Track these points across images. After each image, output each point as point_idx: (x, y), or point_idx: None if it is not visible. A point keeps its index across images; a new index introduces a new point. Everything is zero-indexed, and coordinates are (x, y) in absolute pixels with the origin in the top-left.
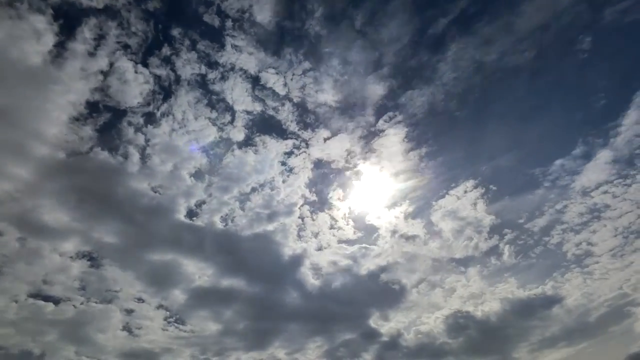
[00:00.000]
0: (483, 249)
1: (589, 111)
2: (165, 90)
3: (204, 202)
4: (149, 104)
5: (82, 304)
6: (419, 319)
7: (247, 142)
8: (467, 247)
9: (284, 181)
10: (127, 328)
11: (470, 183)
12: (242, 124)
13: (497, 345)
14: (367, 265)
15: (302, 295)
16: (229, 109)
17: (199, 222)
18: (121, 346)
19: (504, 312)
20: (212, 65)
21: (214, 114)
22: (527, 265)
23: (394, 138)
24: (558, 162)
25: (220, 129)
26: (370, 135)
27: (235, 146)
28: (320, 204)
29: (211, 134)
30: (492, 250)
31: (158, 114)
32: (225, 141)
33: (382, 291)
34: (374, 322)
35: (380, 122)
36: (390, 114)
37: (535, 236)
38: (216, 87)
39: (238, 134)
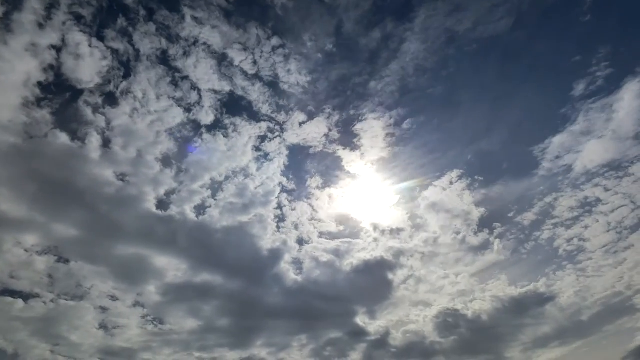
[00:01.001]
0: (472, 244)
1: (576, 84)
2: (124, 67)
3: (174, 192)
4: (108, 82)
5: (52, 301)
6: (407, 317)
7: (216, 125)
8: (455, 242)
9: (258, 168)
10: (103, 326)
11: (455, 173)
12: (210, 104)
13: (488, 344)
14: (351, 260)
15: (284, 291)
16: (194, 88)
17: (170, 213)
18: (98, 345)
19: (495, 310)
20: (173, 39)
21: (179, 94)
22: (518, 262)
23: (373, 122)
24: (545, 144)
25: (187, 110)
26: (349, 120)
27: (203, 129)
28: (299, 192)
29: (177, 116)
30: (482, 245)
31: (117, 93)
32: (192, 123)
33: (368, 288)
34: (360, 320)
35: (357, 104)
36: (366, 92)
37: (526, 231)
38: (178, 64)
39: (206, 116)
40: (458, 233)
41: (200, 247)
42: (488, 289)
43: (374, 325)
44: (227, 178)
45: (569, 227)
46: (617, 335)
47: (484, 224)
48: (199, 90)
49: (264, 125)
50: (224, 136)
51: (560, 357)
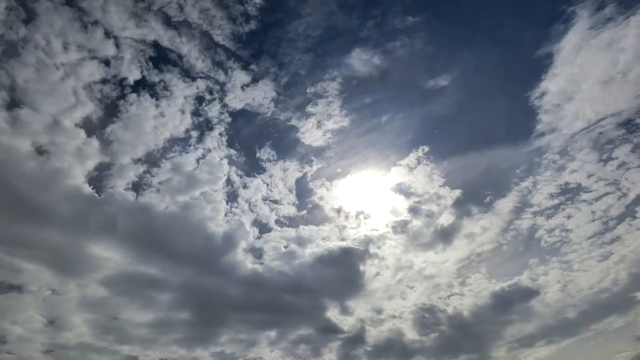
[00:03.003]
0: (446, 230)
1: (579, 9)
2: (23, 8)
3: (104, 167)
4: (10, 28)
5: None
6: (383, 312)
7: (143, 83)
8: (429, 228)
9: (199, 139)
10: (50, 321)
11: (420, 152)
12: (131, 56)
13: (471, 342)
14: (316, 250)
15: (245, 282)
16: (109, 36)
17: (103, 192)
18: (49, 341)
19: (476, 306)
20: None
21: (92, 44)
22: (498, 253)
23: (325, 84)
24: (542, 89)
25: (105, 64)
26: (299, 81)
27: (129, 89)
28: (249, 167)
29: (94, 72)
30: (458, 231)
31: (17, 41)
32: (114, 80)
33: (337, 280)
34: (333, 315)
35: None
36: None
37: (505, 218)
38: (85, 5)
39: (129, 71)
40: (431, 216)
41: (144, 232)
42: (468, 282)
43: (347, 321)
44: (165, 150)
45: (550, 216)
46: (606, 335)
47: (459, 208)
48: (116, 39)
49: (201, 84)
50: (152, 96)
51: (548, 356)
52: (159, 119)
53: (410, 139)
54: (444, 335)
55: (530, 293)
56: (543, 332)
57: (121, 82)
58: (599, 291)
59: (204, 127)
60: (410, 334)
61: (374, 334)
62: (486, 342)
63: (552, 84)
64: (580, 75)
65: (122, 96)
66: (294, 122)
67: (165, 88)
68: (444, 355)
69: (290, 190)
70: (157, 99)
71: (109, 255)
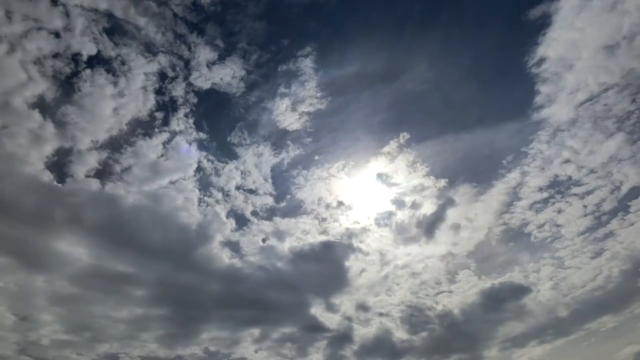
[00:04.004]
0: (431, 224)
1: None
2: None
3: (63, 153)
4: None
5: None
6: (369, 309)
7: (98, 58)
8: (413, 221)
9: (164, 121)
10: (22, 318)
11: (402, 138)
12: (83, 27)
13: (462, 342)
14: (296, 243)
15: (220, 278)
16: (56, 3)
17: (65, 181)
18: (22, 339)
19: (466, 304)
20: None
21: (38, 13)
22: (488, 249)
23: (300, 61)
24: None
25: (55, 36)
26: (271, 58)
27: (83, 65)
28: (220, 152)
29: (43, 45)
30: (443, 224)
31: None
32: (67, 54)
33: (320, 276)
34: (319, 313)
35: (281, 33)
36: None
37: (494, 211)
38: None
39: (81, 44)
40: (416, 208)
41: (112, 224)
42: (457, 279)
43: (333, 319)
44: (127, 133)
45: (540, 210)
46: (600, 335)
47: (445, 199)
48: (65, 7)
49: (162, 59)
50: (109, 72)
51: (542, 356)
52: (118, 99)
53: (390, 124)
54: (434, 334)
55: (521, 291)
56: (536, 331)
57: (74, 57)
58: (592, 289)
59: (169, 107)
60: (399, 333)
61: (361, 333)
62: (478, 341)
63: (550, 50)
64: (581, 40)
65: (76, 73)
66: (266, 103)
67: (123, 63)
68: (435, 355)
69: (265, 179)
70: (114, 76)
71: (75, 250)
